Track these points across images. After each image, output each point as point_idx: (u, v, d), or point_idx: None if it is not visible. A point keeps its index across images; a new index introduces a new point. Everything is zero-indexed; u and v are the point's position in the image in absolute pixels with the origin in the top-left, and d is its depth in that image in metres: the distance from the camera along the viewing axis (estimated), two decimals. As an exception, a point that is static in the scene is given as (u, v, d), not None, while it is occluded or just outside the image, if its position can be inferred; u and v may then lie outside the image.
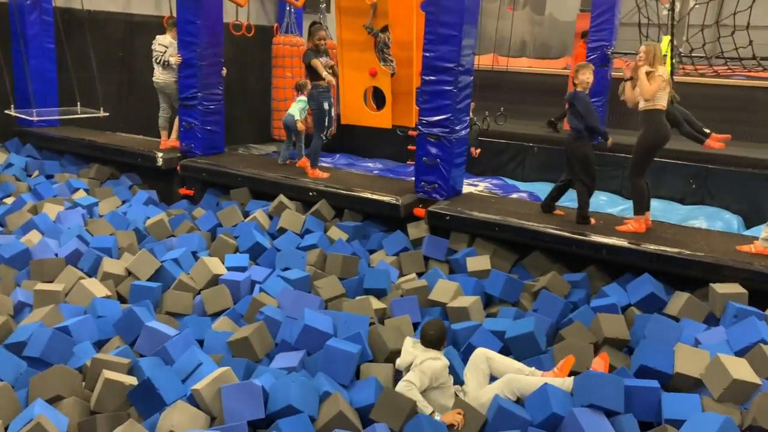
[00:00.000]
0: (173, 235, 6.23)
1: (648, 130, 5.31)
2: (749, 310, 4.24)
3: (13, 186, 7.20)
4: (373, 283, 5.08)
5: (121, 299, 5.02)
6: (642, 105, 5.28)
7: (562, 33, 16.41)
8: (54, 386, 3.53)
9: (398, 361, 3.77)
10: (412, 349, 3.71)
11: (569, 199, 6.05)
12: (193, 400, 3.43)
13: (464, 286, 4.99)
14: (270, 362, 4.07)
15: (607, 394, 3.40)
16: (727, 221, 7.92)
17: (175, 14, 7.69)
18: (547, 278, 5.11)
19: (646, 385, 3.55)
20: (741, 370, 3.52)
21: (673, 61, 6.92)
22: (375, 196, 6.35)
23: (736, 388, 3.45)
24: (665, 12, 7.49)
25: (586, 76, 5.58)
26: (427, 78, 6.15)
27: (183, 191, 7.64)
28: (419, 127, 6.32)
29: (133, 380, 3.62)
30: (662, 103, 5.26)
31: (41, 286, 4.81)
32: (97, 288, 4.87)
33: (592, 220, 5.68)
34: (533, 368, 3.84)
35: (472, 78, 6.30)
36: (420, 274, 5.47)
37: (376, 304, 4.75)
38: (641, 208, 5.53)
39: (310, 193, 6.68)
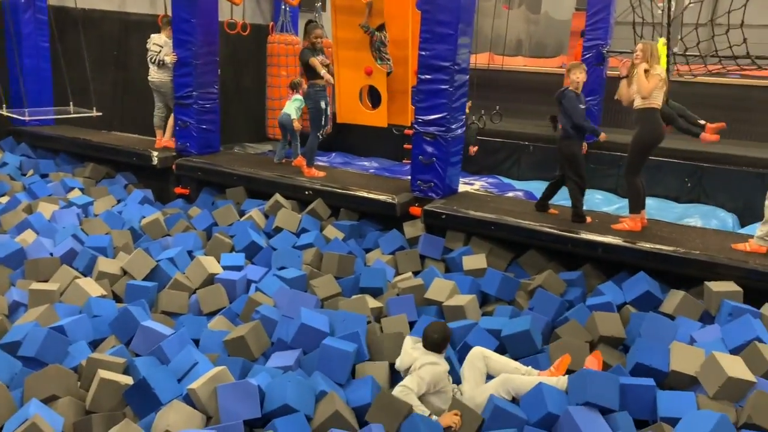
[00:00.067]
0: (169, 235, 6.22)
1: (643, 129, 5.33)
2: (744, 308, 4.26)
3: (8, 185, 7.17)
4: (369, 282, 5.08)
5: (117, 299, 5.00)
6: (637, 103, 5.30)
7: (557, 32, 16.41)
8: (49, 386, 3.53)
9: (398, 363, 3.76)
10: (411, 351, 3.68)
11: (564, 198, 6.06)
12: (188, 399, 3.43)
13: (460, 284, 4.99)
14: (266, 361, 4.07)
15: (602, 392, 3.41)
16: (722, 219, 7.94)
17: (169, 13, 7.67)
18: (542, 277, 5.12)
19: (642, 383, 3.56)
20: (736, 368, 3.53)
21: (668, 59, 6.94)
22: (371, 195, 6.35)
23: (731, 386, 3.46)
24: (659, 11, 7.50)
25: (576, 76, 5.60)
26: (423, 77, 6.15)
27: (178, 190, 7.62)
28: (415, 125, 6.32)
29: (128, 380, 3.61)
30: (658, 102, 5.27)
31: (36, 285, 4.79)
32: (92, 287, 4.86)
33: (588, 219, 5.69)
34: (530, 367, 3.84)
35: (467, 77, 6.30)
36: (416, 273, 5.48)
37: (372, 303, 4.75)
38: (637, 206, 5.54)
39: (306, 192, 6.68)
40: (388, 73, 7.72)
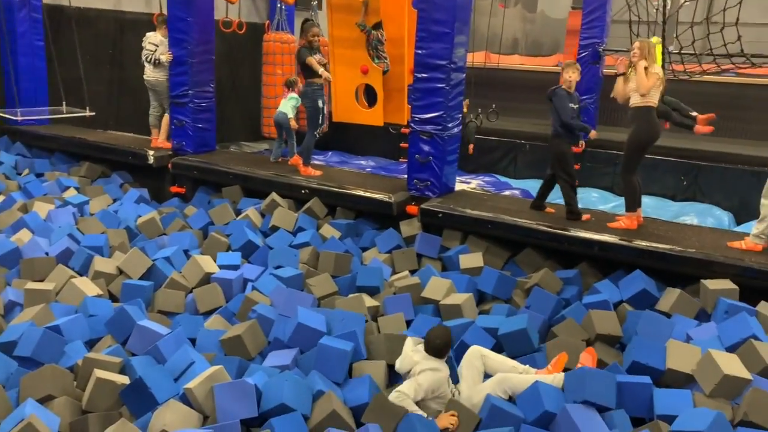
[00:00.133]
0: (165, 234, 6.21)
1: (639, 128, 5.33)
2: (740, 305, 4.27)
3: (3, 184, 7.15)
4: (366, 281, 5.08)
5: (113, 298, 4.99)
6: (634, 101, 5.30)
7: (554, 30, 16.40)
8: (45, 386, 3.52)
9: (397, 364, 3.75)
10: (412, 354, 3.66)
11: (560, 196, 6.06)
12: (185, 399, 3.42)
13: (457, 283, 4.99)
14: (263, 361, 4.06)
15: (599, 390, 3.42)
16: (717, 218, 7.96)
17: (165, 11, 7.65)
18: (539, 275, 5.13)
19: (638, 380, 3.57)
20: (732, 365, 3.54)
21: (663, 57, 6.94)
22: (368, 194, 6.35)
23: (728, 384, 3.47)
24: (655, 9, 7.51)
25: (569, 75, 5.61)
26: (419, 75, 6.14)
27: (174, 189, 7.60)
28: (412, 124, 6.32)
29: (125, 379, 3.60)
30: (654, 100, 5.28)
31: (32, 285, 4.78)
32: (88, 287, 4.84)
33: (585, 216, 5.69)
34: (527, 366, 3.84)
35: (464, 75, 6.30)
36: (413, 272, 5.47)
37: (369, 301, 4.75)
38: (633, 204, 5.55)
39: (303, 191, 6.67)
40: (385, 72, 7.72)
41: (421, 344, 3.69)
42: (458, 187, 6.82)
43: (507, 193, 8.55)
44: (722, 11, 7.22)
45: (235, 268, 5.35)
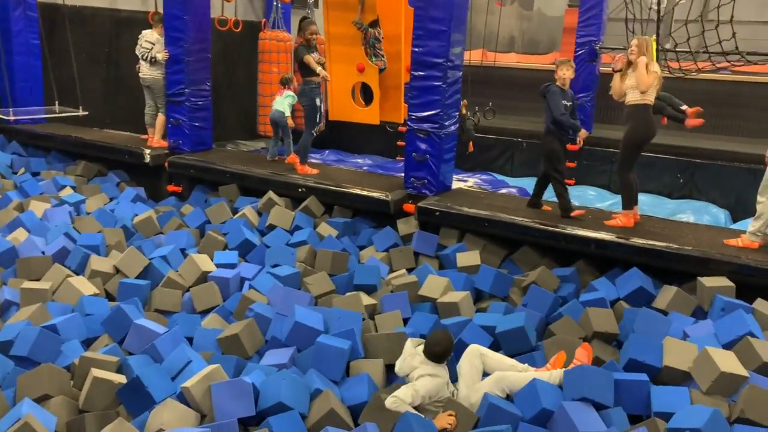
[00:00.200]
0: (161, 233, 6.20)
1: (635, 125, 5.34)
2: (736, 303, 4.28)
3: (-1, 183, 7.14)
4: (363, 279, 5.08)
5: (110, 297, 4.98)
6: (630, 98, 5.30)
7: (550, 28, 16.44)
8: (42, 385, 3.51)
9: (397, 367, 3.74)
10: (410, 359, 3.64)
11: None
12: (182, 398, 3.42)
13: (454, 281, 5.00)
14: (260, 359, 4.06)
15: (597, 387, 3.42)
16: (714, 215, 7.98)
17: (160, 9, 7.63)
18: (536, 273, 5.13)
19: (635, 378, 3.58)
20: (729, 362, 3.55)
21: (658, 55, 6.95)
22: (364, 192, 6.35)
23: (724, 381, 3.48)
24: (650, 8, 7.51)
25: (563, 72, 5.61)
26: (416, 73, 6.14)
27: (171, 188, 7.59)
28: (408, 122, 6.32)
29: (121, 378, 3.60)
30: (651, 98, 5.28)
31: (28, 284, 4.77)
32: (84, 286, 4.83)
33: (581, 211, 5.69)
34: (526, 365, 3.84)
35: (461, 73, 6.30)
36: (410, 270, 5.47)
37: (366, 300, 4.75)
38: (629, 202, 5.56)
39: (300, 190, 6.66)
40: (383, 70, 7.71)
41: (421, 346, 3.66)
42: (455, 185, 6.82)
43: (504, 191, 8.56)
44: (716, 8, 7.24)
45: (232, 266, 5.35)
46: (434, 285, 4.87)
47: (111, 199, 7.10)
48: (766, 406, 3.29)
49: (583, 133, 5.63)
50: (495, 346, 4.15)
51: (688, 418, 3.20)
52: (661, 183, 8.99)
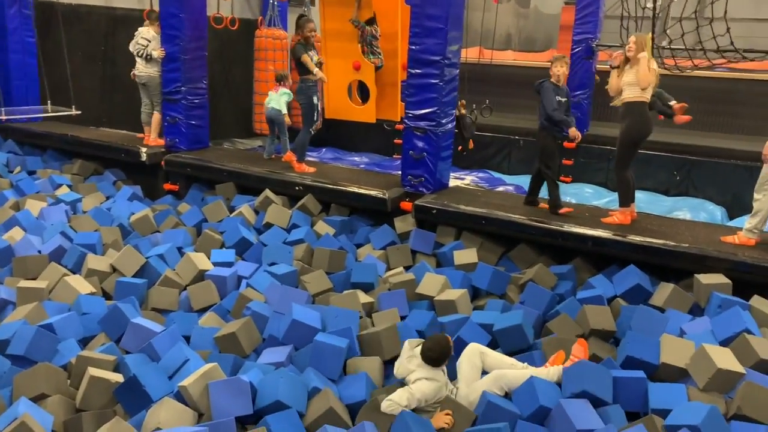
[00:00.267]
0: (158, 231, 6.19)
1: (632, 123, 5.33)
2: (733, 300, 4.29)
3: (-5, 182, 7.11)
4: (361, 277, 5.08)
5: (106, 296, 4.97)
6: (628, 95, 5.29)
7: (547, 26, 16.43)
8: (38, 384, 3.50)
9: (395, 369, 3.73)
10: (407, 362, 3.62)
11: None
12: (180, 396, 3.41)
13: (451, 279, 5.00)
14: (257, 358, 4.05)
15: (596, 382, 3.44)
16: (710, 212, 7.99)
17: (156, 8, 7.61)
18: (533, 270, 5.13)
19: (633, 375, 3.59)
20: (725, 359, 3.56)
21: (653, 53, 6.94)
22: (362, 190, 6.34)
23: (721, 378, 3.49)
24: (643, 7, 7.50)
25: (557, 69, 5.61)
26: (413, 71, 6.14)
27: (168, 186, 7.58)
28: (405, 120, 6.31)
29: (119, 377, 3.59)
30: (647, 96, 5.28)
31: (24, 283, 4.75)
32: (81, 285, 4.82)
33: (567, 209, 5.69)
34: (525, 363, 3.84)
35: (458, 71, 6.29)
36: (407, 268, 5.48)
37: (363, 298, 4.75)
38: (626, 199, 5.56)
39: (297, 188, 6.66)
40: (380, 67, 7.70)
41: (419, 347, 3.64)
42: (452, 183, 6.82)
43: (501, 189, 8.56)
44: (710, 4, 7.22)
45: (229, 265, 5.34)
46: (431, 283, 4.87)
47: (107, 198, 7.08)
48: (763, 402, 3.30)
49: (572, 131, 5.58)
50: (493, 344, 4.15)
51: (685, 414, 3.21)
52: (658, 180, 9.00)
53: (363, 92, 8.05)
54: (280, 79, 7.61)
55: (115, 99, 9.51)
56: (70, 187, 7.16)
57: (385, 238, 5.90)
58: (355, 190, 6.38)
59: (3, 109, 7.93)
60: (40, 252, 5.37)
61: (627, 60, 5.30)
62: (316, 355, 3.82)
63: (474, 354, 3.77)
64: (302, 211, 6.35)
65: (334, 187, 6.52)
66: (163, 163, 7.52)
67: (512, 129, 10.16)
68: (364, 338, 4.15)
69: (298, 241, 5.75)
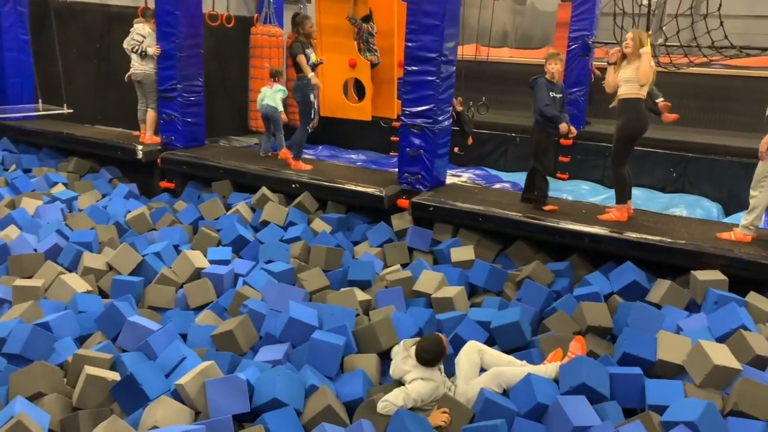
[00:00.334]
0: (154, 229, 6.17)
1: (628, 119, 5.34)
2: (729, 296, 4.30)
3: (-10, 181, 7.09)
4: (358, 275, 5.07)
5: (103, 294, 4.96)
6: (624, 91, 5.29)
7: (543, 23, 16.43)
8: (35, 383, 3.49)
9: (390, 371, 3.73)
10: (402, 363, 3.61)
11: (551, 189, 6.07)
12: (177, 394, 3.40)
13: (448, 276, 4.99)
14: (254, 356, 4.05)
15: (594, 376, 3.45)
16: (706, 209, 8.01)
17: (150, 5, 7.57)
18: (530, 267, 5.14)
19: (630, 372, 3.59)
20: (722, 355, 3.57)
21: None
22: (358, 188, 6.33)
23: (718, 374, 3.50)
24: (639, 5, 7.50)
25: (551, 66, 5.60)
26: (409, 68, 6.12)
27: (164, 184, 7.56)
28: (402, 118, 6.30)
29: (115, 376, 3.58)
30: (644, 92, 5.29)
31: (20, 281, 4.74)
32: (77, 283, 4.81)
33: (551, 207, 5.70)
34: (524, 361, 3.84)
35: (454, 68, 6.28)
36: (404, 265, 5.47)
37: (360, 295, 4.74)
38: (623, 196, 5.57)
39: (293, 185, 6.64)
40: (376, 64, 7.69)
41: (413, 348, 3.62)
42: (449, 180, 6.81)
43: (497, 186, 8.57)
44: (706, 0, 7.23)
45: (226, 263, 5.33)
46: (429, 280, 4.87)
47: (103, 196, 7.06)
48: (760, 398, 3.31)
49: (563, 126, 5.56)
50: (490, 342, 4.16)
51: (682, 411, 3.22)
52: (654, 177, 9.02)
53: (359, 90, 8.03)
54: (274, 75, 7.57)
55: (111, 96, 9.48)
56: (65, 185, 7.15)
57: (382, 235, 5.90)
58: (352, 187, 6.37)
59: None
60: (35, 250, 5.35)
61: (624, 56, 5.30)
62: (314, 352, 3.82)
63: (473, 351, 3.78)
64: (299, 209, 6.34)
65: (331, 184, 6.51)
66: (159, 160, 7.50)
67: (509, 126, 10.16)
68: (359, 333, 4.14)
69: (294, 239, 5.74)
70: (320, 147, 10.56)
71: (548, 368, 3.68)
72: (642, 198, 7.93)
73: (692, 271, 4.64)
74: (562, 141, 8.60)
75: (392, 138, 10.12)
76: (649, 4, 6.88)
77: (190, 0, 7.40)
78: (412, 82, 6.12)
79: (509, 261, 5.62)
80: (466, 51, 10.18)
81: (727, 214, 7.99)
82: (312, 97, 6.80)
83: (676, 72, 8.28)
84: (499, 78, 10.95)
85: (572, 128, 5.59)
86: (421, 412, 3.49)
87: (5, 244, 5.34)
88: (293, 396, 3.42)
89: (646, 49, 5.12)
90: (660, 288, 4.63)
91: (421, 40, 5.97)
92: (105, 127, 8.76)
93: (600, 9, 9.76)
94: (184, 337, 4.24)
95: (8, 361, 3.78)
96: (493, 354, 3.82)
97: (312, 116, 6.90)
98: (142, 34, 7.53)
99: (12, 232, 5.62)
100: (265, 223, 6.10)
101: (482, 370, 3.76)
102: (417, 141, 6.20)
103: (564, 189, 8.59)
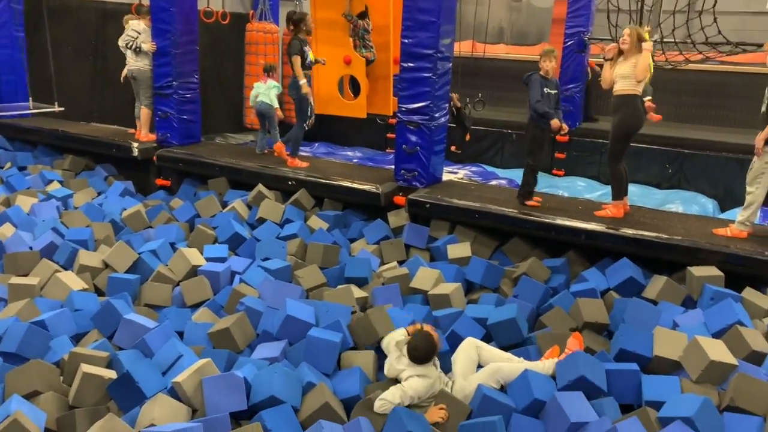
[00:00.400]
0: (150, 227, 6.15)
1: (624, 116, 5.34)
2: (725, 292, 4.31)
3: (-15, 178, 7.06)
4: (355, 272, 5.07)
5: (99, 292, 4.94)
6: (619, 87, 5.28)
7: (539, 19, 16.41)
8: (31, 381, 3.47)
9: (385, 370, 3.73)
10: (395, 363, 3.61)
11: (547, 186, 6.08)
12: (173, 392, 3.40)
13: (445, 273, 5.00)
14: (251, 353, 4.04)
15: (591, 370, 3.46)
16: (702, 205, 8.03)
17: (144, 1, 7.54)
18: (527, 264, 5.14)
19: (626, 368, 3.60)
20: (718, 351, 3.57)
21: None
22: (355, 185, 6.33)
23: (714, 370, 3.51)
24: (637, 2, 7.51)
25: (545, 63, 5.60)
26: (405, 65, 6.12)
27: (160, 182, 7.54)
28: (398, 114, 6.30)
29: (112, 374, 3.57)
30: (640, 88, 5.29)
31: (16, 279, 4.72)
32: (73, 281, 4.79)
33: (534, 203, 5.71)
34: (521, 358, 3.84)
35: (450, 65, 6.28)
36: (401, 262, 5.47)
37: (357, 292, 4.74)
38: (619, 193, 5.58)
39: (290, 183, 6.64)
40: (372, 61, 7.67)
41: (406, 347, 3.60)
42: (445, 177, 6.82)
43: (494, 182, 8.57)
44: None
45: (223, 260, 5.32)
46: (425, 277, 4.87)
47: (99, 194, 7.04)
48: (756, 393, 3.32)
49: (555, 123, 5.54)
50: (487, 338, 4.16)
51: (678, 406, 3.22)
52: (650, 173, 9.03)
53: (355, 87, 8.01)
54: (268, 70, 7.53)
55: (106, 94, 9.44)
56: (61, 182, 7.12)
57: (378, 232, 5.89)
58: (349, 184, 6.37)
59: None
60: (31, 248, 5.34)
61: (620, 52, 5.30)
62: (310, 350, 3.81)
63: (470, 347, 3.78)
64: (295, 206, 6.33)
65: (328, 181, 6.51)
66: (155, 158, 7.48)
67: (505, 123, 10.15)
68: (355, 325, 4.13)
69: (291, 236, 5.73)
70: (317, 144, 10.54)
71: (546, 365, 3.68)
72: (638, 194, 7.94)
73: (688, 267, 4.66)
74: (558, 137, 8.60)
75: (388, 135, 10.12)
76: (642, 1, 6.89)
77: (186, -3, 7.38)
78: (408, 78, 6.12)
79: (506, 258, 5.62)
80: (462, 48, 10.16)
81: (723, 210, 8.00)
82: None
83: (672, 69, 8.29)
84: (495, 74, 10.96)
85: (564, 125, 5.60)
86: (418, 408, 3.49)
87: (0, 242, 5.32)
88: (290, 393, 3.42)
89: (648, 45, 5.12)
90: (656, 284, 4.63)
91: (417, 37, 5.97)
92: (100, 125, 8.73)
93: (596, 5, 9.76)
94: (180, 334, 4.23)
95: (4, 360, 3.76)
96: (490, 350, 3.82)
97: (309, 114, 6.89)
98: (136, 30, 7.50)
99: (7, 230, 5.60)
100: (262, 221, 6.09)
101: (479, 366, 3.77)
102: (413, 138, 6.20)
103: (560, 185, 8.59)
